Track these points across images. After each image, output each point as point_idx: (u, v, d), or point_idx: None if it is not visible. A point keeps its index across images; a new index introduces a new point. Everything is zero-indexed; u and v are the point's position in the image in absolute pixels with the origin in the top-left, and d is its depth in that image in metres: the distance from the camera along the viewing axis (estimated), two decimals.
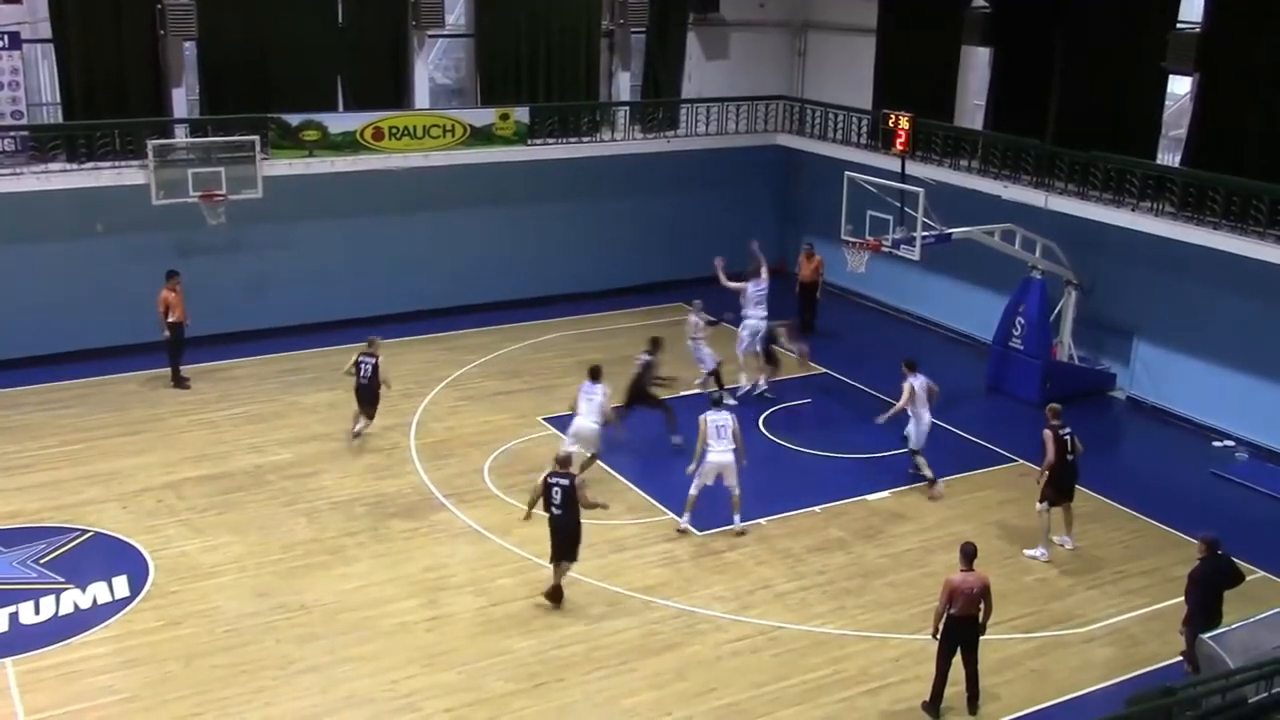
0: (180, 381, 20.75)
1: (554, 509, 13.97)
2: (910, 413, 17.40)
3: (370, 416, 18.58)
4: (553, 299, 25.20)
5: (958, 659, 12.41)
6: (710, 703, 12.64)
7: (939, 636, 12.36)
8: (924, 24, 24.17)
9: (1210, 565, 12.71)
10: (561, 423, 19.56)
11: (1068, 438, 15.49)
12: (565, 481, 13.97)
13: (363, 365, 18.19)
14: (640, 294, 26.00)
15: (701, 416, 15.92)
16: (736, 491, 16.00)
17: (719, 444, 15.75)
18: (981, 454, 18.99)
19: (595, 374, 17.15)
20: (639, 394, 18.61)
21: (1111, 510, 17.15)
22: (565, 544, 14.18)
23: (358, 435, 18.61)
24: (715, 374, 20.34)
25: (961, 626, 12.24)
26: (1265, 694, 9.38)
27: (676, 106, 26.39)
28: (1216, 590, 12.56)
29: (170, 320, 20.31)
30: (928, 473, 17.57)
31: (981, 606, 12.23)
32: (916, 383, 17.37)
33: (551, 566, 14.35)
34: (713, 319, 20.70)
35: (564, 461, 14.36)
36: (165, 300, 20.29)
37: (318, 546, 15.61)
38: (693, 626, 14.04)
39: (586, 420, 16.89)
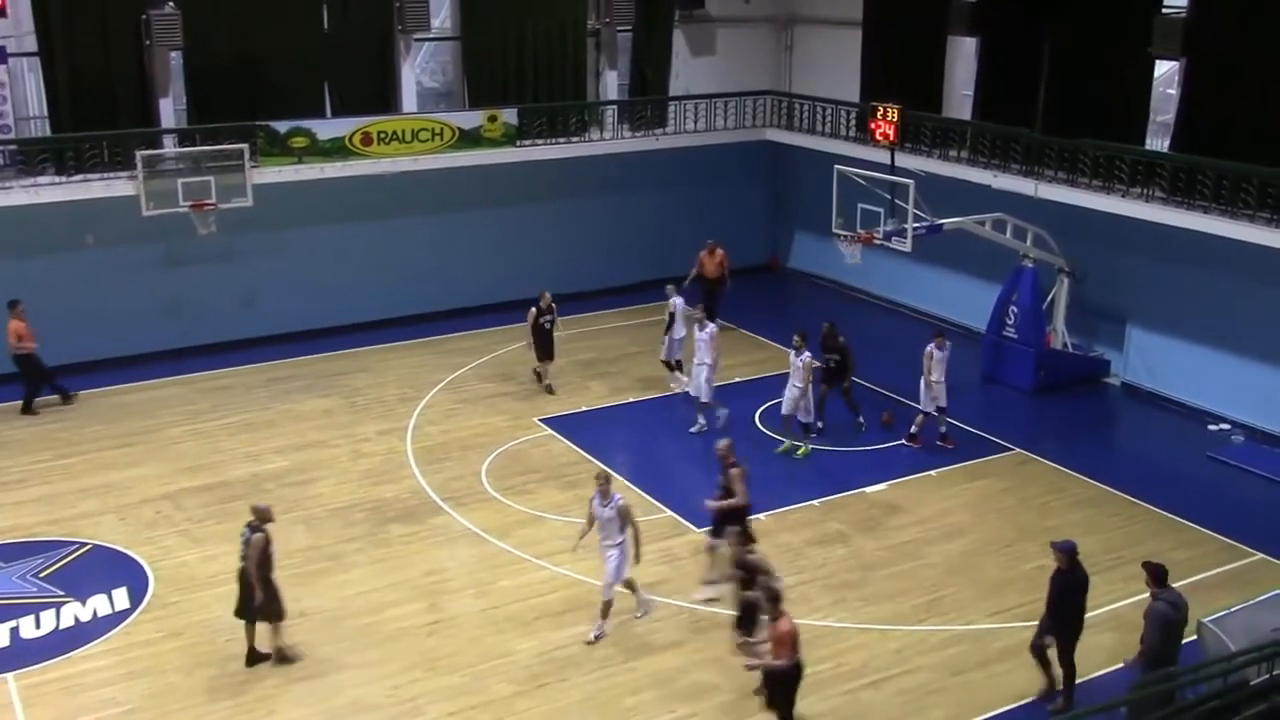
0: (34, 409, 20.04)
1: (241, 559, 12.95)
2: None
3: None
4: None
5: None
6: (713, 699, 12.64)
7: (778, 693, 11.72)
8: (910, 15, 24.19)
9: (1081, 572, 12.08)
10: (556, 423, 19.63)
11: None
12: (245, 533, 12.86)
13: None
14: (633, 292, 25.96)
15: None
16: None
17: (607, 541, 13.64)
18: (978, 443, 19.00)
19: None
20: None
21: (1108, 496, 17.17)
22: (240, 598, 12.96)
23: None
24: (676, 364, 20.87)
25: (800, 672, 11.52)
26: (1266, 676, 9.40)
27: (664, 104, 26.37)
28: (1085, 597, 12.04)
29: (26, 349, 19.74)
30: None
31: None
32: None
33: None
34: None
35: (259, 513, 12.96)
36: (17, 331, 19.63)
37: (316, 554, 15.59)
38: (694, 624, 14.03)
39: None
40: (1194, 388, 20.30)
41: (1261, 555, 15.46)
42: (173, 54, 21.92)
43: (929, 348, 18.52)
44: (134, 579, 14.88)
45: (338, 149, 22.55)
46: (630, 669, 13.13)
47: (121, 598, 14.46)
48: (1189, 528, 16.24)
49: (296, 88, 23.01)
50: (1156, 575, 11.55)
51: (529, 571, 15.02)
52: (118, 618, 14.07)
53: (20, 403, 20.04)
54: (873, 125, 21.05)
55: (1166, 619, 11.28)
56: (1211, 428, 19.57)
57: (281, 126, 22.09)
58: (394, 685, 12.82)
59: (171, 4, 21.28)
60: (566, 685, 12.85)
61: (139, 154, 20.51)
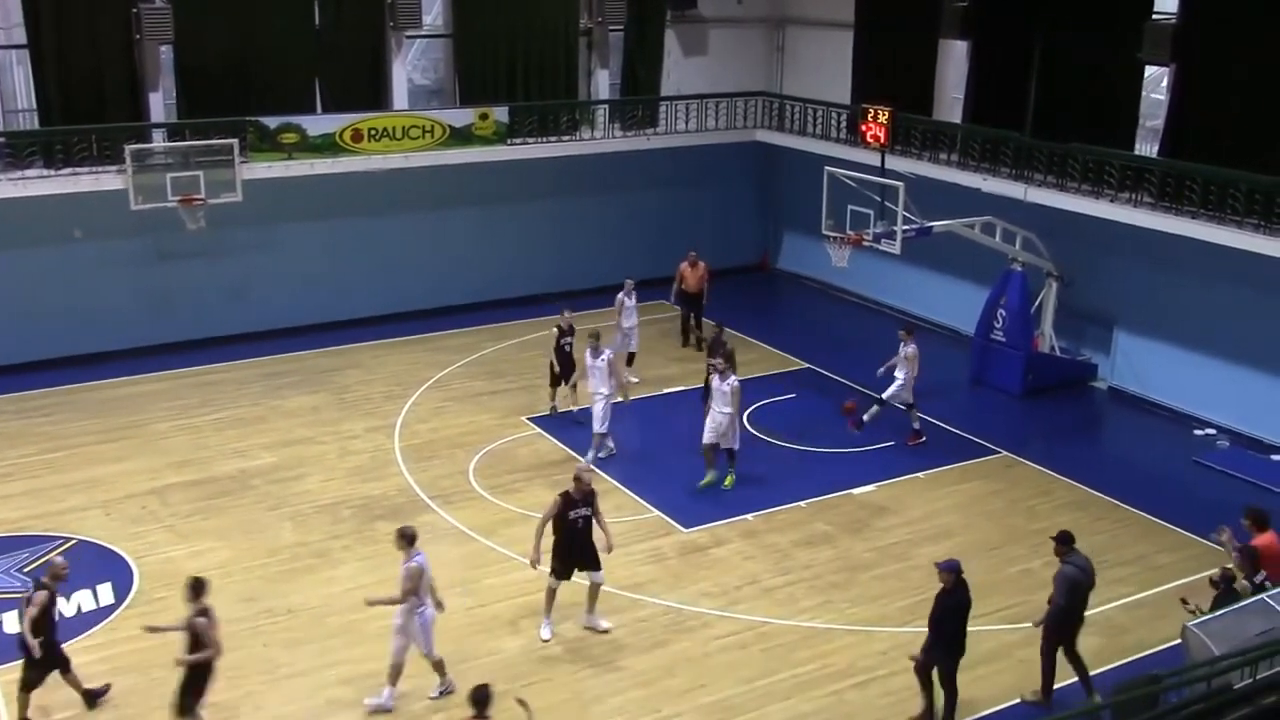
0: None
1: None
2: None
3: None
4: (537, 298, 25.10)
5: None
6: (699, 699, 12.66)
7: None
8: (902, 18, 24.23)
9: (965, 593, 12.00)
10: (544, 422, 19.60)
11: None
12: (30, 589, 12.12)
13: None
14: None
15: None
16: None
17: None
18: (966, 446, 19.06)
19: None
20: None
21: (1094, 499, 17.24)
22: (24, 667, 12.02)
23: None
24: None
25: None
26: (1250, 680, 9.44)
27: (656, 104, 26.38)
28: (966, 618, 12.04)
29: None
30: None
31: None
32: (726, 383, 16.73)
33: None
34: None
35: (51, 569, 12.11)
36: None
37: (304, 550, 15.58)
38: (680, 623, 14.05)
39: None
40: (1180, 392, 20.39)
41: None
42: (163, 48, 21.85)
43: None
44: (119, 574, 14.85)
45: (328, 145, 22.51)
46: (615, 668, 13.15)
47: (106, 593, 14.43)
48: (1174, 531, 16.32)
49: (287, 84, 22.95)
50: (1065, 540, 12.34)
51: (515, 570, 15.01)
52: (102, 613, 14.04)
53: None
54: (863, 127, 21.10)
55: (1075, 581, 12.19)
56: (1197, 432, 19.65)
57: (272, 122, 22.04)
58: (379, 683, 12.77)
59: None
60: (552, 684, 12.86)
61: (128, 148, 20.44)
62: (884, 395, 18.75)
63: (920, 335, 22.87)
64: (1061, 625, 12.39)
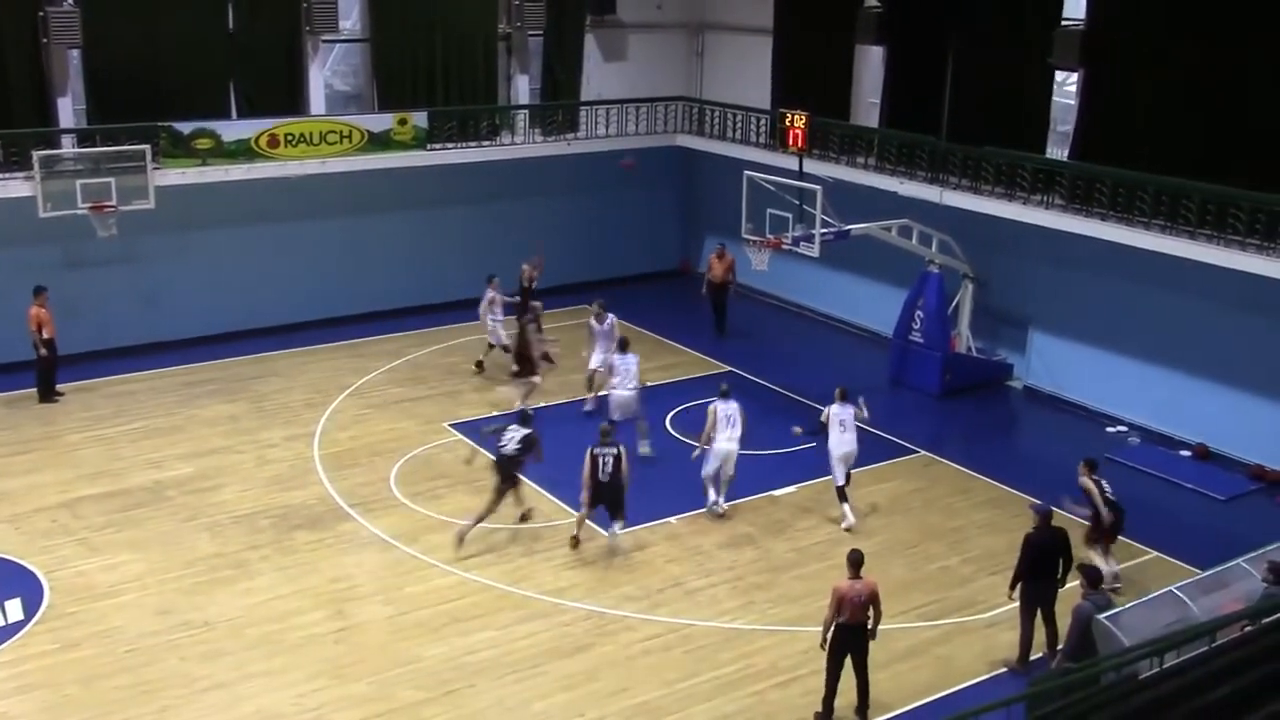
0: (54, 396, 20.31)
1: None
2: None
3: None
4: (458, 304, 24.93)
5: (847, 667, 12.30)
6: (623, 702, 12.67)
7: (828, 645, 12.19)
8: (819, 24, 24.48)
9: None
10: (466, 428, 19.50)
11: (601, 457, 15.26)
12: None
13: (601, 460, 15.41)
14: (545, 297, 25.84)
15: (712, 406, 16.55)
16: (731, 474, 16.64)
17: (728, 432, 16.35)
18: (886, 446, 19.24)
19: (624, 345, 18.90)
20: None
21: (1010, 497, 17.49)
22: None
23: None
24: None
25: (850, 634, 12.10)
26: (1156, 669, 9.69)
27: (576, 109, 26.38)
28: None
29: (46, 337, 19.87)
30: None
31: (870, 614, 12.07)
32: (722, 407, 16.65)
33: None
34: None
35: None
36: (38, 317, 19.77)
37: (221, 561, 15.32)
38: (603, 627, 14.04)
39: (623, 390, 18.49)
40: (1092, 391, 20.80)
41: (1155, 553, 15.89)
42: (71, 52, 21.42)
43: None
44: (28, 590, 14.47)
45: (243, 151, 22.20)
46: (540, 673, 13.11)
47: (15, 609, 14.05)
48: (1088, 526, 16.58)
49: (201, 88, 22.57)
50: (1092, 580, 11.94)
51: (437, 577, 14.92)
52: (11, 630, 13.67)
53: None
54: (789, 132, 21.23)
55: (1092, 619, 11.54)
56: (1109, 430, 20.05)
57: (185, 127, 21.68)
58: (299, 694, 12.65)
59: (70, 1, 20.82)
60: (475, 691, 12.79)
61: (36, 154, 20.02)
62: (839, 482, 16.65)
63: (840, 337, 23.15)
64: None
